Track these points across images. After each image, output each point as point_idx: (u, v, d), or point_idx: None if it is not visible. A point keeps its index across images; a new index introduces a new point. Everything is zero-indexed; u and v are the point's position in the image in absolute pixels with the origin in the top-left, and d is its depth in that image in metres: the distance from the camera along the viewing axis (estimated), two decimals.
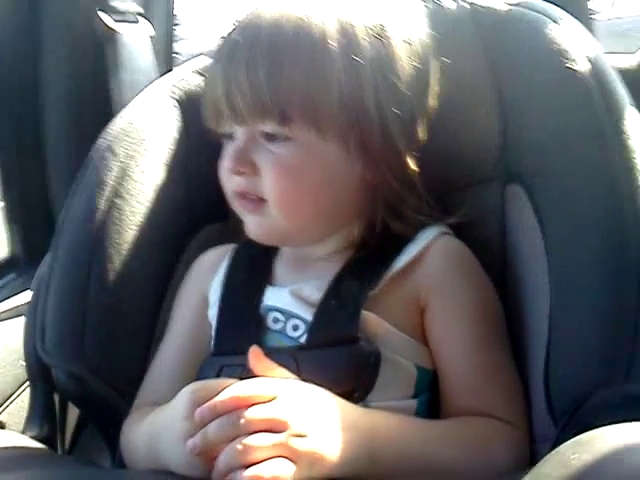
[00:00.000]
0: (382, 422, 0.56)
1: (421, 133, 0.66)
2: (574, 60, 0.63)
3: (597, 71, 0.62)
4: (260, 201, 0.63)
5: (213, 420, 0.50)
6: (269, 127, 0.61)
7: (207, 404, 0.51)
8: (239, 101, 0.60)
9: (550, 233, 0.62)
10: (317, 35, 0.59)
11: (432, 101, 0.67)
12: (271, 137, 0.61)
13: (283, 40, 0.59)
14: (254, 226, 0.66)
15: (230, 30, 0.63)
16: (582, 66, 0.62)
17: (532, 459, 0.59)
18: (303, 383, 0.54)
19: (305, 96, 0.60)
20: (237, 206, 0.66)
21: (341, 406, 0.54)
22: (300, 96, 0.59)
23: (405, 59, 0.62)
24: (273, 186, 0.62)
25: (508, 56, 0.70)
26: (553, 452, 0.43)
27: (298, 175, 0.62)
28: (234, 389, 0.51)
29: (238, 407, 0.50)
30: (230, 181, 0.65)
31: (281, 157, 0.61)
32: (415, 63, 0.63)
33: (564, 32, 0.65)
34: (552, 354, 0.59)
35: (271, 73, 0.59)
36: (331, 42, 0.59)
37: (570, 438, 0.45)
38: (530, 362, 0.63)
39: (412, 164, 0.64)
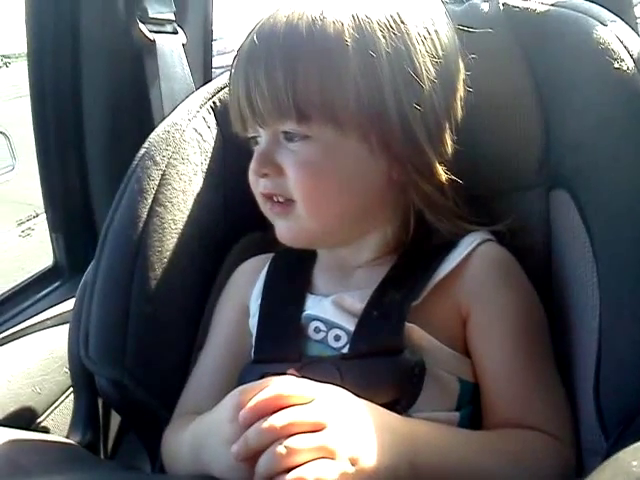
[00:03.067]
0: (423, 430, 0.55)
1: (449, 134, 0.64)
2: (622, 59, 0.61)
3: None
4: (288, 203, 0.63)
5: (257, 421, 0.49)
6: (289, 127, 0.61)
7: (248, 405, 0.50)
8: (259, 102, 0.61)
9: (597, 235, 0.61)
10: (331, 32, 0.59)
11: (459, 101, 0.66)
12: (292, 137, 0.62)
13: (298, 39, 0.60)
14: (284, 230, 0.66)
15: (249, 32, 0.64)
16: (629, 65, 0.61)
17: (579, 474, 0.57)
18: (340, 389, 0.53)
19: (321, 94, 0.60)
20: (266, 210, 0.66)
21: (381, 412, 0.54)
22: (317, 94, 0.60)
23: (426, 55, 0.62)
24: (297, 184, 0.62)
25: (549, 56, 0.69)
26: (611, 459, 0.41)
27: (320, 172, 0.62)
28: (275, 388, 0.51)
29: (279, 405, 0.49)
30: (257, 184, 0.65)
31: (302, 155, 0.61)
32: (436, 59, 0.62)
33: (610, 32, 0.64)
34: (603, 364, 0.57)
35: (287, 73, 0.59)
36: (346, 38, 0.59)
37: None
38: (578, 373, 0.61)
39: (439, 165, 0.63)
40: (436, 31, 0.63)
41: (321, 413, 0.50)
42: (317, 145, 0.61)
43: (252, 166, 0.64)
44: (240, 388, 0.54)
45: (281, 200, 0.64)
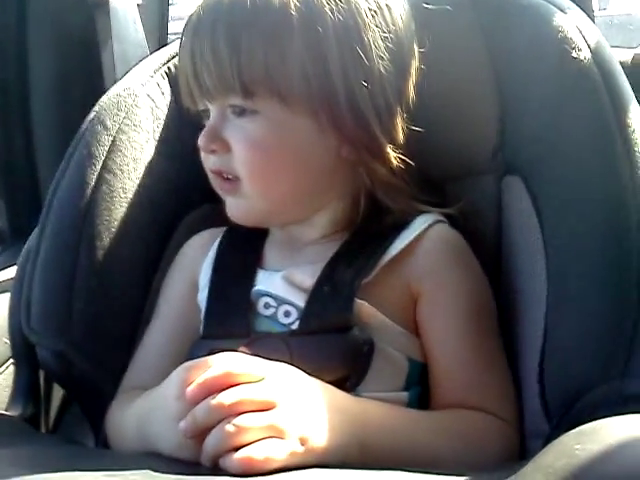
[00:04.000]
0: (373, 410, 0.56)
1: (400, 115, 0.64)
2: (579, 49, 0.62)
3: (601, 60, 0.61)
4: (236, 180, 0.63)
5: (205, 398, 0.49)
6: (235, 100, 0.61)
7: (196, 381, 0.50)
8: (205, 76, 0.60)
9: (548, 224, 0.61)
10: (276, 5, 0.58)
11: (412, 83, 0.65)
12: (240, 112, 0.61)
13: (241, 12, 0.59)
14: (233, 207, 0.66)
15: (197, 6, 0.62)
16: (587, 55, 0.61)
17: (522, 455, 0.59)
18: (290, 367, 0.53)
19: (266, 69, 0.59)
20: (216, 187, 0.65)
21: (332, 392, 0.54)
22: (261, 69, 0.59)
23: (376, 31, 0.61)
24: (243, 162, 0.61)
25: (509, 42, 0.69)
26: (554, 442, 0.42)
27: (267, 149, 0.61)
28: (224, 365, 0.50)
29: (228, 383, 0.49)
30: (207, 160, 0.65)
31: (249, 132, 0.61)
32: (387, 36, 0.61)
33: (569, 21, 0.64)
34: (547, 349, 0.58)
35: (231, 47, 0.59)
36: (291, 12, 0.58)
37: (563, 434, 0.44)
38: (523, 357, 0.62)
39: (389, 145, 0.63)
40: (388, 6, 0.62)
41: (271, 392, 0.49)
42: (264, 121, 0.61)
43: (200, 142, 0.63)
44: (185, 364, 0.53)
45: (230, 177, 0.63)
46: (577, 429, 0.43)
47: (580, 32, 0.63)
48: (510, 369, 0.63)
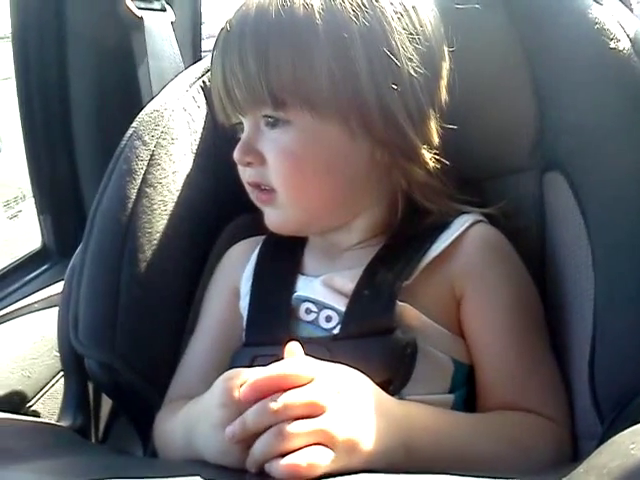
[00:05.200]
0: (419, 413, 0.55)
1: (433, 115, 0.63)
2: (618, 40, 0.60)
3: None
4: (272, 191, 0.63)
5: (255, 401, 0.49)
6: (267, 112, 0.61)
7: (248, 384, 0.50)
8: (235, 90, 0.61)
9: (591, 217, 0.60)
10: (300, 15, 0.58)
11: (443, 83, 0.65)
12: (273, 124, 0.61)
13: (267, 24, 0.59)
14: (272, 218, 0.66)
15: (225, 21, 0.63)
16: (626, 46, 0.60)
17: (575, 457, 0.57)
18: (341, 366, 0.53)
19: (294, 78, 0.59)
20: (254, 198, 0.66)
21: (379, 394, 0.53)
22: (289, 79, 0.59)
23: (403, 33, 0.60)
24: (277, 173, 0.62)
25: (543, 37, 0.68)
26: (608, 443, 0.41)
27: (301, 159, 0.61)
28: (274, 368, 0.50)
29: (278, 386, 0.49)
30: (244, 173, 0.65)
31: (283, 143, 0.61)
32: (415, 38, 0.61)
33: (606, 11, 0.63)
34: (598, 347, 0.57)
35: (259, 59, 0.59)
36: (316, 21, 0.58)
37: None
38: (573, 355, 0.61)
39: (424, 146, 0.62)
40: (415, 9, 0.62)
41: (320, 395, 0.49)
42: (296, 131, 0.61)
43: (235, 155, 0.64)
44: (227, 374, 0.54)
45: (267, 188, 0.64)
46: (631, 429, 0.42)
47: (618, 22, 0.62)
48: (560, 368, 0.62)
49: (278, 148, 0.61)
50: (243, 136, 0.64)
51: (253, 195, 0.66)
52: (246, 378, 0.51)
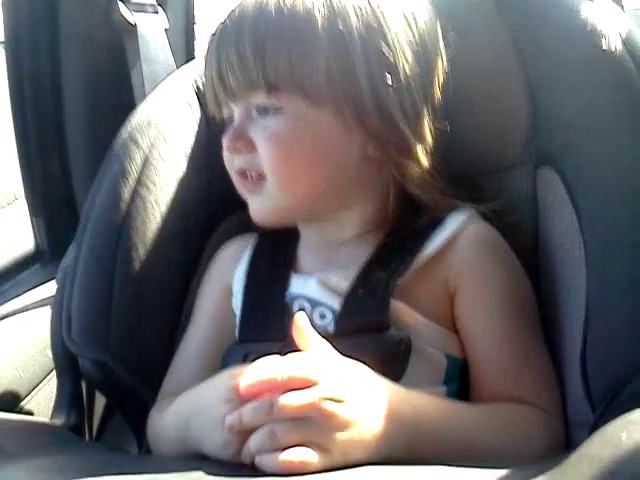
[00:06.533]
0: (421, 402, 0.55)
1: (427, 112, 0.64)
2: (609, 39, 0.61)
3: (633, 49, 0.61)
4: (259, 179, 0.63)
5: (261, 395, 0.49)
6: (259, 99, 0.61)
7: (252, 382, 0.50)
8: (229, 76, 0.62)
9: (584, 212, 0.61)
10: (300, 10, 0.60)
11: (438, 81, 0.66)
12: (264, 111, 0.62)
13: (266, 17, 0.60)
14: (256, 207, 0.66)
15: (224, 17, 0.64)
16: (617, 45, 0.61)
17: (568, 445, 0.58)
18: (346, 363, 0.53)
19: (290, 64, 0.60)
20: (240, 188, 0.66)
21: (382, 391, 0.53)
22: (286, 66, 0.60)
23: (400, 32, 0.62)
24: (267, 158, 0.62)
25: (535, 35, 0.68)
26: (599, 431, 0.41)
27: (291, 146, 0.62)
28: (281, 368, 0.50)
29: (282, 387, 0.49)
30: (231, 162, 0.65)
31: (273, 129, 0.61)
32: (412, 37, 0.62)
33: (596, 10, 0.64)
34: (590, 338, 0.58)
35: (256, 47, 0.60)
36: (315, 15, 0.59)
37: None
38: (565, 347, 0.62)
39: (417, 143, 0.63)
40: (412, 11, 0.63)
41: (317, 401, 0.49)
42: (289, 118, 0.61)
43: (224, 142, 0.64)
44: (233, 370, 0.54)
45: (254, 176, 0.64)
46: (623, 417, 0.42)
47: (609, 20, 0.62)
48: (553, 359, 0.62)
49: (269, 134, 0.62)
50: (234, 123, 0.64)
51: (239, 184, 0.66)
52: (252, 374, 0.51)
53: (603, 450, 0.38)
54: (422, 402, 0.55)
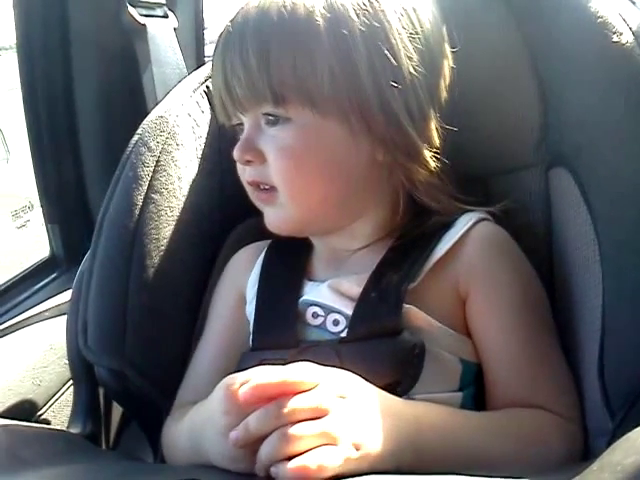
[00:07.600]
0: (426, 413, 0.55)
1: (434, 114, 0.63)
2: (620, 33, 0.60)
3: None
4: (272, 190, 0.63)
5: (257, 402, 0.49)
6: (267, 109, 0.61)
7: (249, 387, 0.49)
8: (236, 88, 0.61)
9: (598, 213, 0.60)
10: (302, 14, 0.59)
11: (444, 81, 0.65)
12: (272, 122, 0.61)
13: (269, 21, 0.59)
14: (271, 217, 0.66)
15: (227, 23, 0.63)
16: (629, 39, 0.59)
17: (586, 454, 0.57)
18: (345, 372, 0.53)
19: (295, 75, 0.59)
20: (254, 198, 0.66)
21: (384, 396, 0.53)
22: (290, 75, 0.59)
23: (403, 32, 0.61)
24: (277, 170, 0.62)
25: (545, 31, 0.67)
26: (621, 439, 0.40)
27: (300, 156, 0.61)
28: (278, 373, 0.50)
29: (282, 392, 0.49)
30: (244, 172, 0.65)
31: (283, 140, 0.61)
32: (415, 37, 0.61)
33: (608, 5, 0.62)
34: (607, 342, 0.56)
35: (260, 56, 0.59)
36: (317, 19, 0.59)
37: (630, 431, 0.42)
38: (582, 351, 0.61)
39: (425, 145, 0.62)
40: (414, 9, 0.62)
41: (324, 399, 0.49)
42: (296, 128, 0.61)
43: (235, 154, 0.64)
44: (226, 379, 0.53)
45: (266, 187, 0.63)
46: None
47: (620, 15, 0.61)
48: (569, 364, 0.61)
49: (278, 145, 0.61)
50: (243, 134, 0.64)
51: (253, 195, 0.66)
52: (246, 380, 0.50)
53: (626, 458, 0.38)
54: (423, 408, 0.55)
